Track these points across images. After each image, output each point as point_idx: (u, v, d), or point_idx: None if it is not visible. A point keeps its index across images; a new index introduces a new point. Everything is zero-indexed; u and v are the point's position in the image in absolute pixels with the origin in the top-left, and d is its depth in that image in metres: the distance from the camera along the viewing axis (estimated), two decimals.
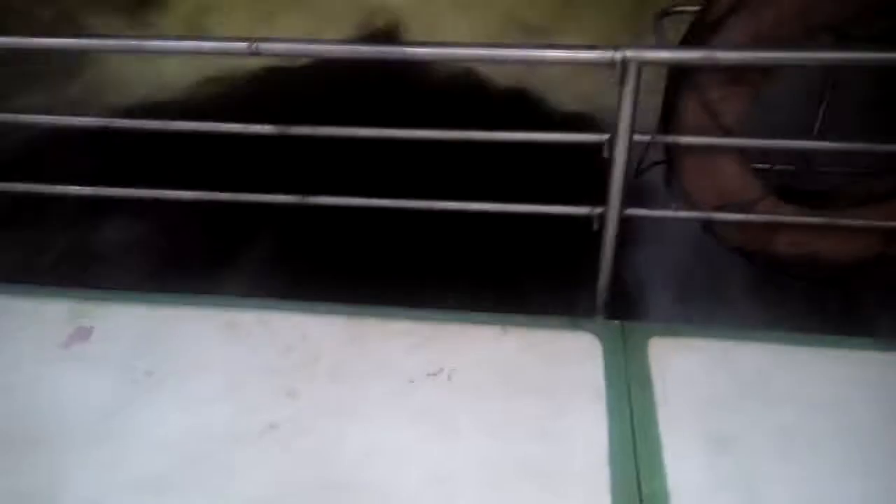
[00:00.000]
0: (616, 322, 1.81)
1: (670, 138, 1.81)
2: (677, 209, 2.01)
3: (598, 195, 1.86)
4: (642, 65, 1.59)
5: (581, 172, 1.99)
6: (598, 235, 1.89)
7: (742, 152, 1.93)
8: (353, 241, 3.11)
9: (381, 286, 2.23)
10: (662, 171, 2.10)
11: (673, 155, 1.96)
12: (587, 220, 1.91)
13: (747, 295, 2.41)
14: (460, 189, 2.01)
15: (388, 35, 9.49)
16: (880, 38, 1.77)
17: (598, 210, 1.85)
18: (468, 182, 2.41)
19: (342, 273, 2.84)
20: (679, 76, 1.83)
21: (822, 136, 2.26)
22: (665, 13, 2.09)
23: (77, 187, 2.13)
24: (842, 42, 1.75)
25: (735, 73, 1.75)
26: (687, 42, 1.86)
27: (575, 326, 1.79)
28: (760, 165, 2.14)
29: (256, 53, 1.66)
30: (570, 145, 1.87)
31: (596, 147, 1.80)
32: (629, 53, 1.57)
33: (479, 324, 1.77)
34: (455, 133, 1.86)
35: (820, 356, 1.68)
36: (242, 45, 1.66)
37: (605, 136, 1.74)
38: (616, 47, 1.58)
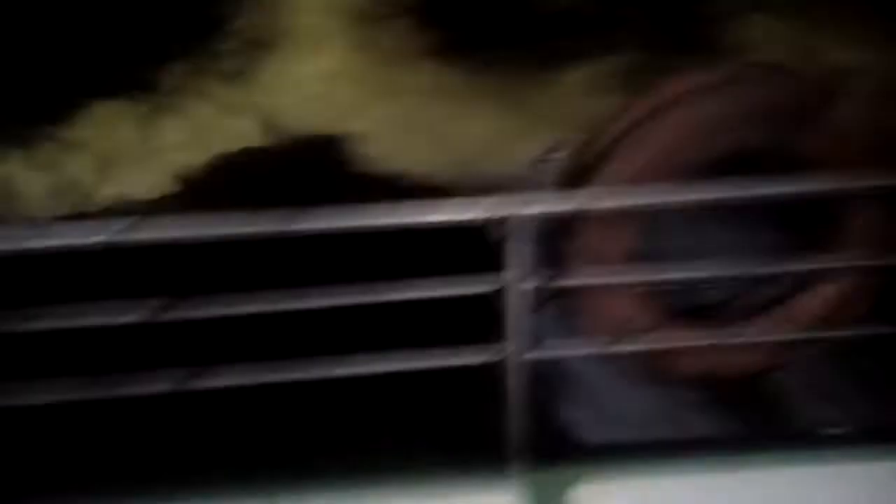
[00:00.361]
0: (535, 473, 1.72)
1: (562, 282, 1.82)
2: (577, 345, 2.00)
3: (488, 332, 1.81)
4: (522, 220, 1.59)
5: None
6: (499, 382, 1.83)
7: (631, 284, 1.97)
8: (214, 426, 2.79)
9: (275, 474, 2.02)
10: (553, 307, 2.10)
11: (564, 293, 1.97)
12: (484, 368, 1.85)
13: (664, 422, 2.40)
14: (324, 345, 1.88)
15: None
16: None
17: (496, 356, 1.79)
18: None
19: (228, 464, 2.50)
20: (561, 220, 1.87)
21: (707, 260, 2.35)
22: (540, 160, 2.16)
23: None
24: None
25: (615, 216, 1.80)
26: (563, 189, 1.92)
27: (489, 486, 1.69)
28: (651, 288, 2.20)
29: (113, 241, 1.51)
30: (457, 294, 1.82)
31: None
32: (508, 210, 1.57)
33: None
34: (320, 300, 1.75)
35: (747, 477, 1.66)
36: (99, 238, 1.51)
37: (496, 287, 1.71)
38: (494, 203, 1.57)
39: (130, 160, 9.06)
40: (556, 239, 1.87)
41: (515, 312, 1.75)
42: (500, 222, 1.59)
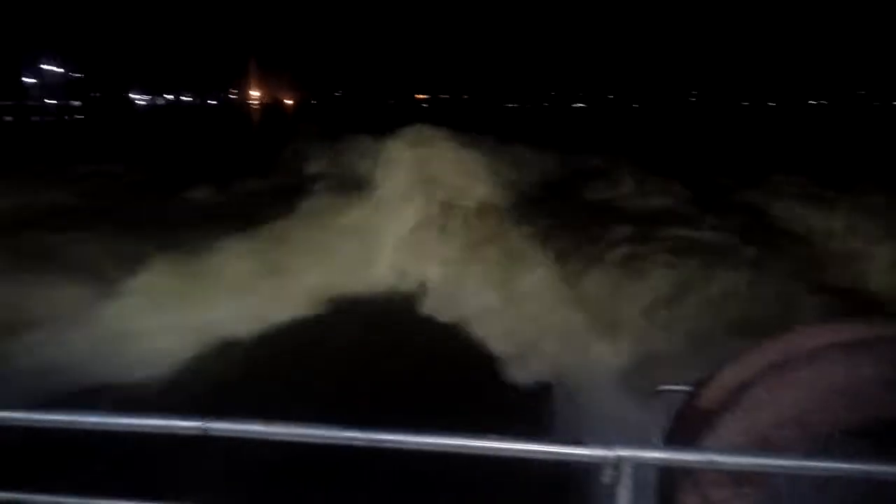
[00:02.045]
0: None
1: None
2: None
3: None
4: (639, 466, 1.39)
5: None
6: None
7: None
8: None
9: None
10: None
11: None
12: None
13: None
14: None
15: (406, 301, 9.79)
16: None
17: None
18: None
19: None
20: (676, 469, 1.63)
21: None
22: (658, 392, 1.98)
23: None
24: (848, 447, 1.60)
25: (737, 474, 1.55)
26: (677, 432, 1.70)
27: None
28: None
29: (205, 434, 1.46)
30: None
31: None
32: (624, 453, 1.38)
33: None
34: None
35: None
36: (193, 423, 1.48)
37: None
38: (609, 444, 1.39)
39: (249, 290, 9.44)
40: (669, 486, 1.63)
41: None
42: (614, 465, 1.40)
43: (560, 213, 12.38)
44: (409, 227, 11.30)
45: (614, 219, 11.69)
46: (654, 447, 1.50)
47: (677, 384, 1.94)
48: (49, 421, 1.74)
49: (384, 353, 7.66)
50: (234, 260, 9.66)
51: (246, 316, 8.28)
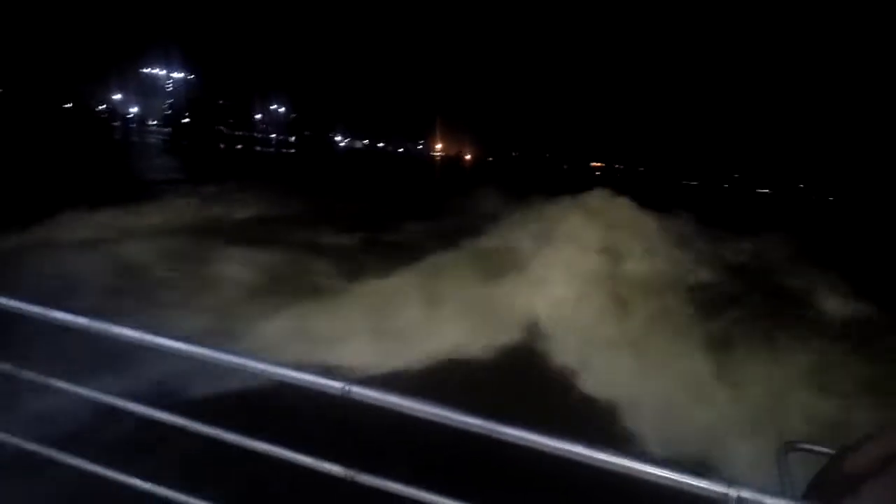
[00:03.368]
0: None
1: None
2: None
3: None
4: None
5: None
6: None
7: None
8: None
9: None
10: None
11: None
12: None
13: None
14: None
15: (530, 352, 9.79)
16: None
17: None
18: None
19: None
20: None
21: None
22: (791, 447, 1.89)
23: None
24: None
25: None
26: (815, 492, 1.63)
27: None
28: None
29: (347, 395, 1.66)
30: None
31: None
32: (746, 494, 1.37)
33: None
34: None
35: None
36: (336, 384, 1.68)
37: None
38: (729, 481, 1.39)
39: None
40: None
41: None
42: None
43: (743, 302, 11.56)
44: (579, 286, 11.13)
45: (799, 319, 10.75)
46: (781, 495, 1.45)
47: (812, 444, 1.84)
48: (222, 360, 1.96)
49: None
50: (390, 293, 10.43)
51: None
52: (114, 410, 2.27)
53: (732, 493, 1.38)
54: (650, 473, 1.47)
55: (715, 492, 1.40)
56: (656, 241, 13.31)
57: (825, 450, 1.78)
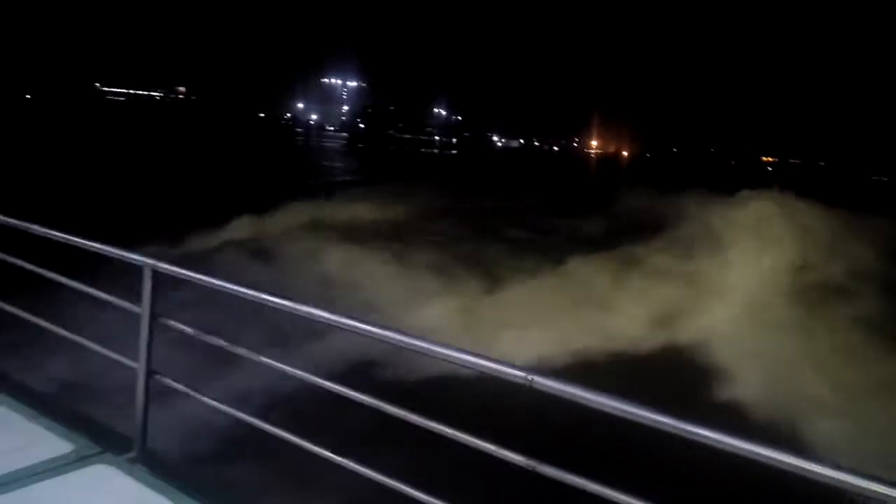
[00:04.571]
0: None
1: None
2: None
3: None
4: None
5: None
6: None
7: None
8: None
9: None
10: None
11: None
12: None
13: None
14: None
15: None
16: None
17: None
18: None
19: None
20: None
21: None
22: None
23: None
24: None
25: None
26: None
27: None
28: None
29: (529, 385, 1.68)
30: None
31: None
32: None
33: None
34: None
35: None
36: (519, 373, 1.70)
37: None
38: None
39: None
40: None
41: None
42: None
43: None
44: (748, 288, 10.45)
45: None
46: None
47: None
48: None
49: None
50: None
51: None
52: (314, 388, 2.45)
53: None
54: (814, 472, 1.41)
55: (883, 493, 1.31)
56: (836, 241, 11.88)
57: None
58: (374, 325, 2.16)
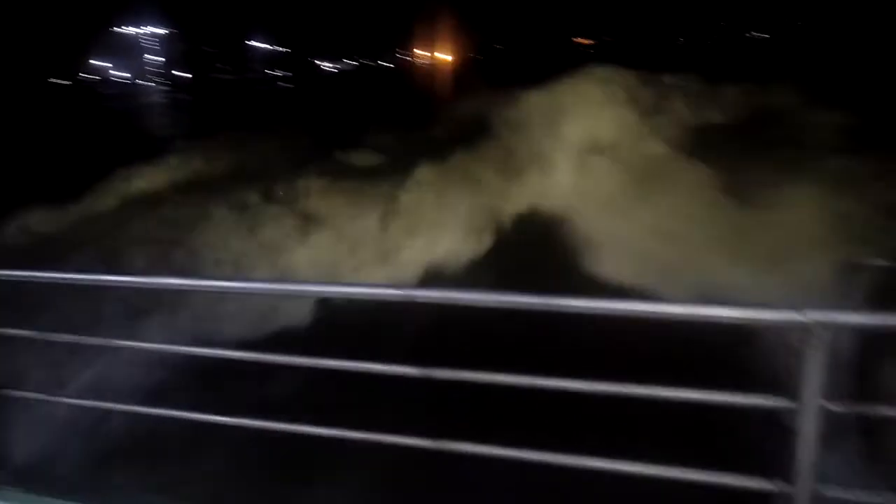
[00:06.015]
0: None
1: (877, 409, 1.48)
2: (883, 490, 1.59)
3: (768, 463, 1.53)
4: (833, 330, 1.36)
5: None
6: None
7: None
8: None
9: None
10: (856, 445, 1.71)
11: (873, 428, 1.59)
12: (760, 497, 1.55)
13: None
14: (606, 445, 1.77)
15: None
16: None
17: (783, 488, 1.49)
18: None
19: None
20: (878, 339, 1.55)
21: None
22: (853, 266, 1.86)
23: None
24: None
25: None
26: (875, 302, 1.61)
27: None
28: None
29: (410, 300, 1.65)
30: (743, 409, 1.60)
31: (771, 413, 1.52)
32: (817, 317, 1.36)
33: None
34: (611, 386, 1.67)
35: None
36: (396, 291, 1.67)
37: (791, 405, 1.46)
38: (800, 308, 1.38)
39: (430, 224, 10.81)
40: (869, 364, 1.56)
41: (808, 439, 1.47)
42: (805, 331, 1.38)
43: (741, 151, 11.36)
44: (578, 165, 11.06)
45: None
46: (849, 312, 1.45)
47: (869, 259, 1.82)
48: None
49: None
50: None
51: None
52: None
53: (804, 318, 1.37)
54: (719, 315, 1.48)
55: (786, 319, 1.40)
56: (653, 106, 12.83)
57: (886, 263, 1.75)
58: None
